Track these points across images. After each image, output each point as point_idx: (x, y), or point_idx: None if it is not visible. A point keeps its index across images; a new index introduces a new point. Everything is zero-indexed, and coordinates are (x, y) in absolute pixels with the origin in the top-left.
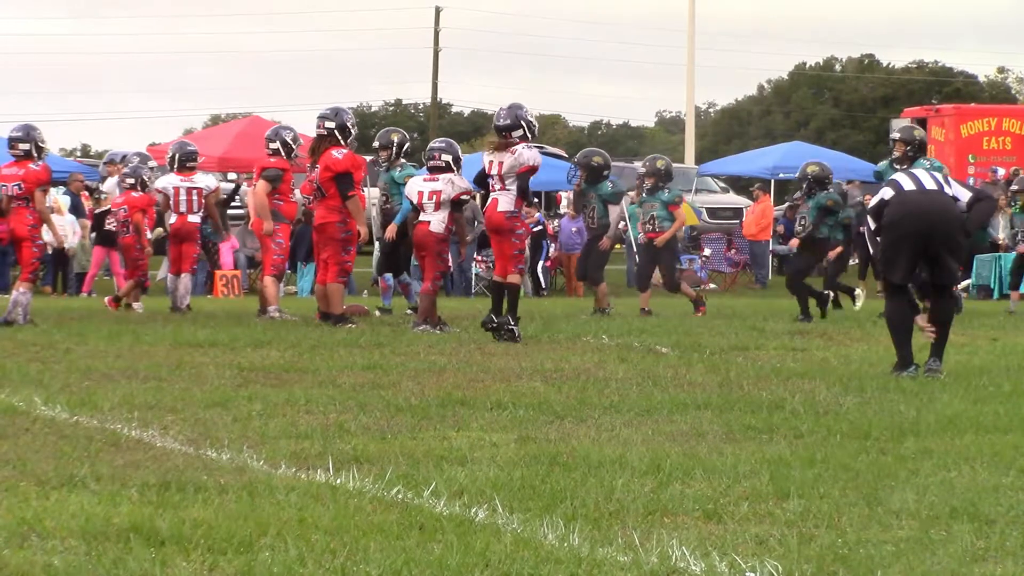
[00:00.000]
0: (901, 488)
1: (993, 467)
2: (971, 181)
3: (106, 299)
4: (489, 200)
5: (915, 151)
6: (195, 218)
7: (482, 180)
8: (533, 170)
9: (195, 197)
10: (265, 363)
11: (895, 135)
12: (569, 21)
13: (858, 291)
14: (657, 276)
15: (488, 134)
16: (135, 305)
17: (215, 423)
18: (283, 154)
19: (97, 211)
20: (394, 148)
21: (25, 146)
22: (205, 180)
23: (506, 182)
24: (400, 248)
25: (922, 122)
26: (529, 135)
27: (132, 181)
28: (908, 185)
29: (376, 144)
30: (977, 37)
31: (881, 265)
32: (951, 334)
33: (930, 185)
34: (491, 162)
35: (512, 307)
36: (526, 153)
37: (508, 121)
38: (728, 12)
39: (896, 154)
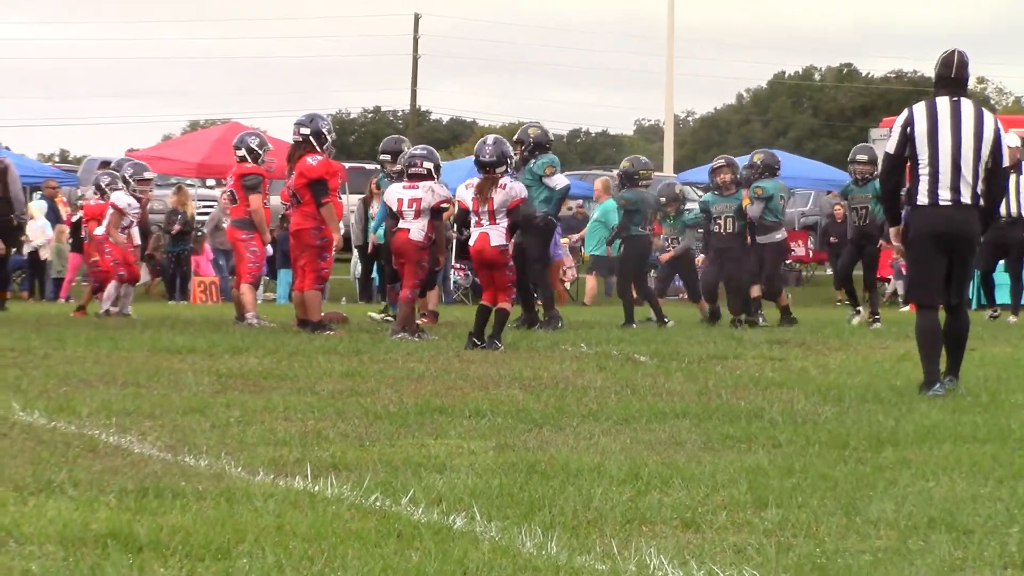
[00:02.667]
0: (879, 498)
1: (971, 477)
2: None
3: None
4: (476, 235)
5: (530, 151)
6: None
7: (463, 219)
8: (523, 202)
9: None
10: (243, 370)
11: (517, 136)
12: (548, 29)
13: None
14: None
15: (467, 141)
16: (128, 310)
17: (193, 429)
18: (250, 160)
19: (74, 217)
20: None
21: None
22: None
23: (497, 217)
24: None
25: None
26: (510, 170)
27: (93, 189)
28: (944, 193)
29: (382, 153)
30: (956, 47)
31: (907, 285)
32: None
33: (966, 188)
34: (475, 199)
35: (498, 329)
36: (516, 186)
37: (494, 158)
38: (707, 21)
39: (516, 157)
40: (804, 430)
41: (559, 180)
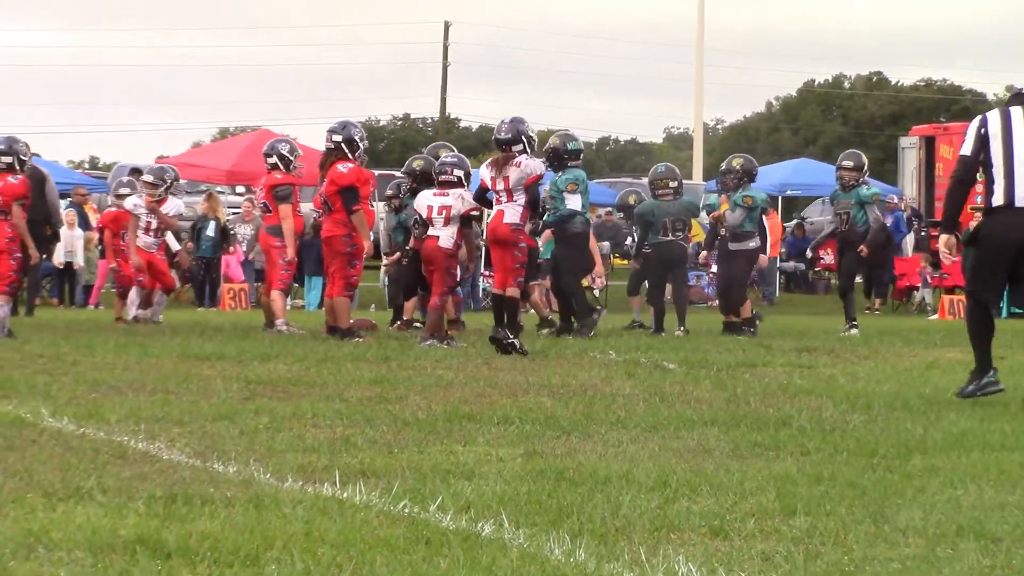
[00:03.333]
0: (908, 506)
1: (1000, 485)
2: (979, 200)
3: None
4: (493, 212)
5: (550, 161)
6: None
7: (481, 196)
8: (539, 179)
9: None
10: (272, 376)
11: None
12: (577, 37)
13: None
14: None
15: (495, 149)
16: (141, 313)
17: (222, 436)
18: (282, 167)
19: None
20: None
21: (7, 159)
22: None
23: (514, 195)
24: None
25: (930, 140)
26: (529, 149)
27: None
28: (1021, 194)
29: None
30: (986, 55)
31: (969, 277)
32: (958, 352)
33: None
34: (493, 177)
35: (512, 320)
36: (531, 163)
37: (509, 135)
38: (737, 29)
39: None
40: (832, 438)
41: (570, 201)
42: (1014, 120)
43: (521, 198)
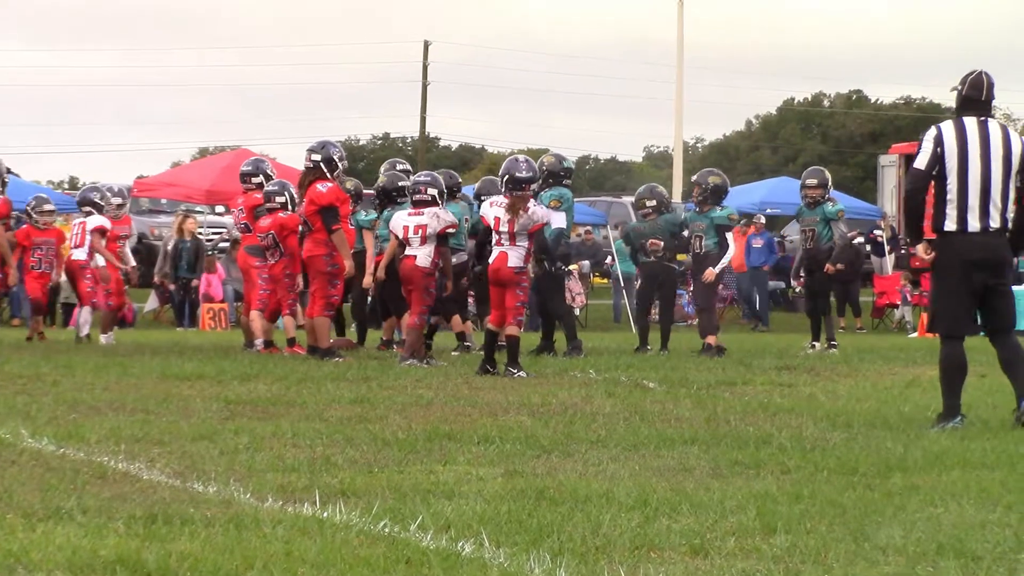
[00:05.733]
0: (888, 524)
1: (980, 503)
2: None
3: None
4: (496, 253)
5: (544, 180)
6: (79, 254)
7: (482, 246)
8: (543, 227)
9: (79, 231)
10: (252, 396)
11: None
12: (557, 55)
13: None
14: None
15: (476, 168)
16: (103, 337)
17: (202, 456)
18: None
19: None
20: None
21: None
22: (95, 218)
23: (517, 239)
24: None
25: (910, 158)
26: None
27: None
28: (973, 220)
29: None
30: (980, 68)
31: (933, 314)
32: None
33: (995, 213)
34: (497, 218)
35: (513, 357)
36: (539, 211)
37: (530, 173)
38: (717, 47)
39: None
40: (813, 456)
41: (555, 220)
42: (969, 138)
43: (524, 242)
